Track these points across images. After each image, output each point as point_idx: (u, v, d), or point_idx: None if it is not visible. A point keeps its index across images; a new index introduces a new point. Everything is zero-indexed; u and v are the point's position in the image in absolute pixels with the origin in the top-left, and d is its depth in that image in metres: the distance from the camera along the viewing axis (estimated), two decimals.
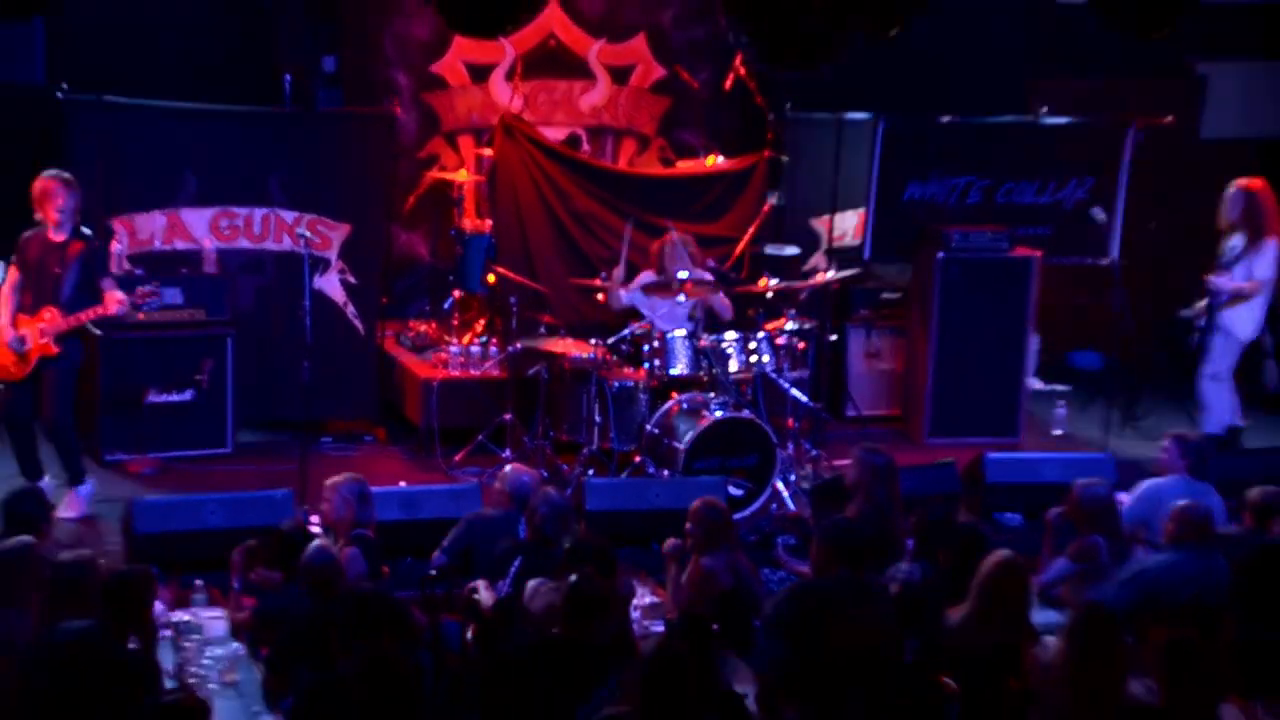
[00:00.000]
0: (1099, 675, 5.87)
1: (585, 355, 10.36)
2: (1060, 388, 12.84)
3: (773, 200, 11.79)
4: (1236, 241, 10.97)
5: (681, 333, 10.35)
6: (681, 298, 10.55)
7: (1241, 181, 11.01)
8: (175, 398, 10.60)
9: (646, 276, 10.78)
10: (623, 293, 10.72)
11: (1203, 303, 11.07)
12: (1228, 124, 14.02)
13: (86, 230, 9.54)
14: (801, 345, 10.79)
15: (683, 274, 10.51)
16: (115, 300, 9.35)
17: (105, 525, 9.35)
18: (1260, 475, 9.21)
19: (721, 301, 10.87)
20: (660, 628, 7.33)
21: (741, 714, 6.12)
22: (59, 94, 10.39)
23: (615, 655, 6.37)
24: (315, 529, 8.34)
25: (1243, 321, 10.98)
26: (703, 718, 5.68)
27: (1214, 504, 8.26)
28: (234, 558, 7.58)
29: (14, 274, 9.47)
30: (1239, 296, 10.89)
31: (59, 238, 9.40)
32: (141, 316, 9.95)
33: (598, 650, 6.37)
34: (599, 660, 6.27)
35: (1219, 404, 11.08)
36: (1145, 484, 8.67)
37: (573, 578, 6.52)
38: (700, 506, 7.68)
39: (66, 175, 9.45)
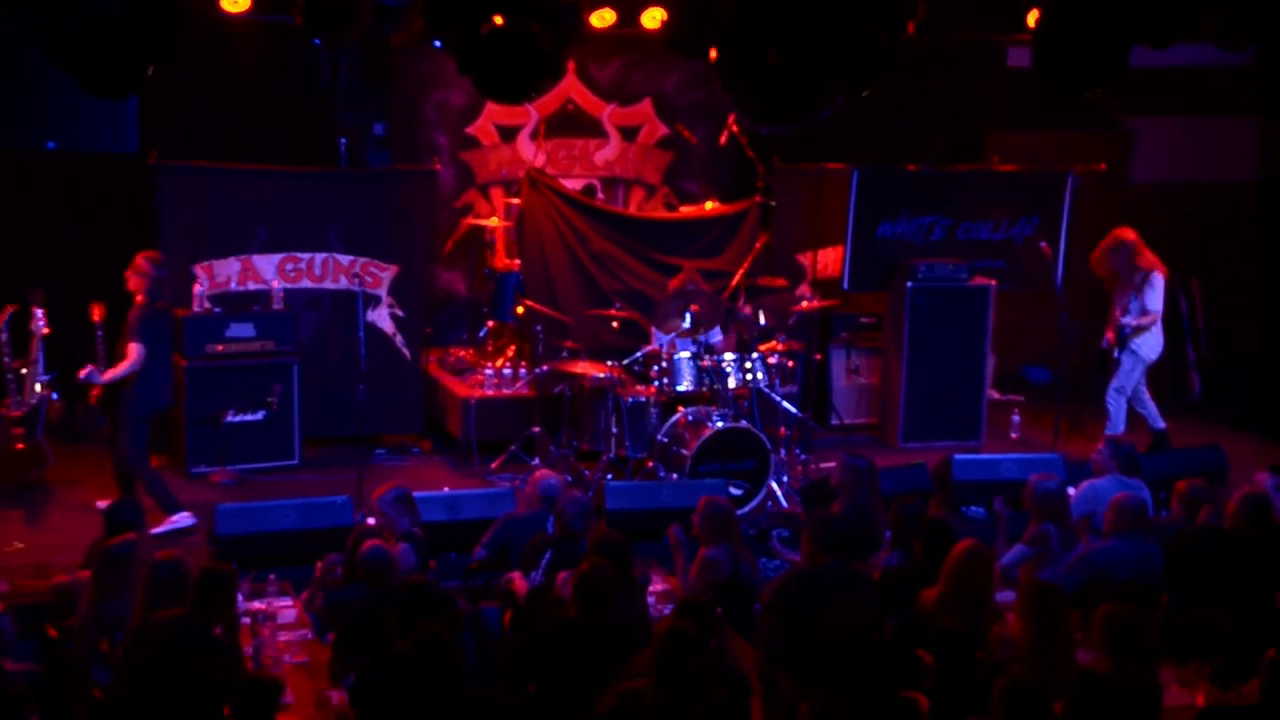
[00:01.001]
0: (1051, 641, 5.86)
1: (603, 375, 10.37)
2: (1015, 398, 12.82)
3: (763, 239, 11.81)
4: (1137, 280, 10.94)
5: (686, 354, 10.35)
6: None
7: (1118, 233, 10.98)
8: (250, 418, 10.60)
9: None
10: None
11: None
12: (1153, 171, 14.02)
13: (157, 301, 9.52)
14: (791, 364, 10.80)
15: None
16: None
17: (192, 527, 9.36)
18: (1186, 471, 9.22)
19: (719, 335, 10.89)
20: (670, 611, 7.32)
21: (743, 688, 6.12)
22: (150, 161, 10.44)
23: (635, 637, 6.37)
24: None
25: (1148, 345, 10.97)
26: (710, 690, 5.67)
27: (1145, 497, 8.26)
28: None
29: None
30: (1140, 328, 10.89)
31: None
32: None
33: (619, 632, 6.37)
34: (620, 641, 6.27)
35: (1119, 414, 11.05)
36: (1085, 484, 8.66)
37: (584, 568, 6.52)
38: (706, 504, 7.66)
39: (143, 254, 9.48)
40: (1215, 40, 9.33)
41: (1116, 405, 11.05)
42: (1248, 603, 6.94)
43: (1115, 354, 11.00)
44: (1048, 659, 5.84)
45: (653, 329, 10.84)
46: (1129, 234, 10.99)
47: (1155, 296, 10.89)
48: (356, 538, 7.57)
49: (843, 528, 7.36)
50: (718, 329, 10.89)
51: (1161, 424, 11.19)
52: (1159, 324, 10.98)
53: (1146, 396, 11.19)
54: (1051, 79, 8.89)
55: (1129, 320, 10.86)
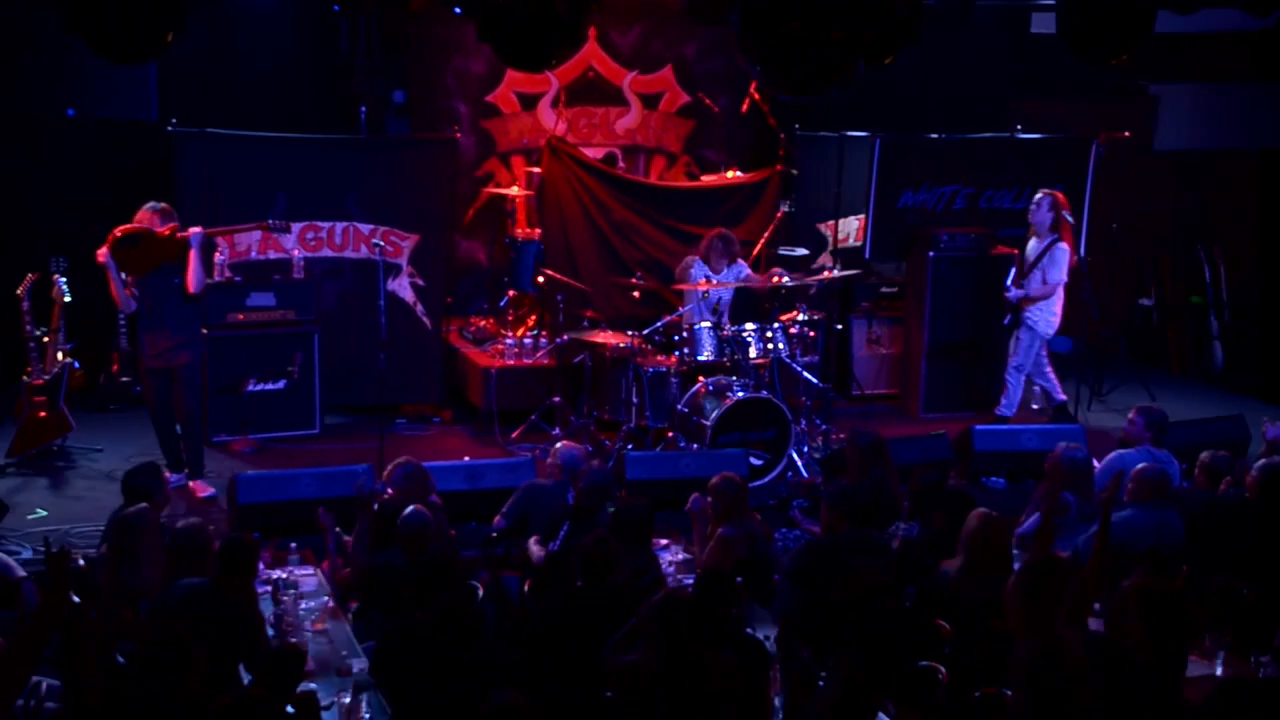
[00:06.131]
0: (1042, 610, 5.83)
1: (623, 345, 10.38)
2: None
3: (785, 208, 11.79)
4: (1034, 245, 10.85)
5: (707, 324, 10.36)
6: (706, 294, 10.55)
7: (1049, 190, 10.87)
8: (271, 386, 10.66)
9: (696, 268, 10.77)
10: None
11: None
12: (1176, 138, 13.96)
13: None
14: (812, 334, 10.80)
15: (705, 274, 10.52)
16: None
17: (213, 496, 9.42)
18: (1208, 442, 9.20)
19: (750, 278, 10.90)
20: (691, 581, 7.34)
21: (762, 656, 6.14)
22: (169, 128, 10.47)
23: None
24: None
25: (1044, 321, 10.84)
26: (717, 659, 5.68)
27: (1173, 469, 8.24)
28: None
29: None
30: (1031, 299, 10.77)
31: None
32: (242, 318, 10.03)
33: (630, 599, 6.39)
34: (631, 609, 6.29)
35: (1016, 392, 10.99)
36: (1112, 454, 8.64)
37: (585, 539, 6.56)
38: (718, 482, 7.65)
39: (158, 205, 9.46)
40: (1242, 4, 9.26)
41: (1015, 382, 10.98)
42: (1267, 573, 6.95)
43: (1004, 320, 10.91)
44: (1035, 621, 5.82)
45: (690, 277, 10.75)
46: (1059, 195, 10.87)
47: (1058, 269, 10.74)
48: (372, 506, 7.53)
49: (862, 497, 7.37)
50: (744, 265, 10.86)
51: (1062, 396, 11.12)
52: (1060, 298, 10.84)
53: (1048, 369, 11.13)
54: (1075, 46, 8.85)
55: (1022, 292, 10.74)
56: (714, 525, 7.58)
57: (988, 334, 11.58)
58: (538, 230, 11.92)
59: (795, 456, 10.17)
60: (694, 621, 5.62)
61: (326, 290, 11.05)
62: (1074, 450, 7.98)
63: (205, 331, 10.32)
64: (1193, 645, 6.02)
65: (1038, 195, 10.86)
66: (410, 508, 7.09)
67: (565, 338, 10.88)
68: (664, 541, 8.11)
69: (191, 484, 9.52)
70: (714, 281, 10.60)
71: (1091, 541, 7.35)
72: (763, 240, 11.55)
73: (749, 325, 10.42)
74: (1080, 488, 7.88)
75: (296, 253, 10.86)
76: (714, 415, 9.88)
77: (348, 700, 5.75)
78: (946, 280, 11.50)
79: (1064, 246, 10.74)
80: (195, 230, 9.28)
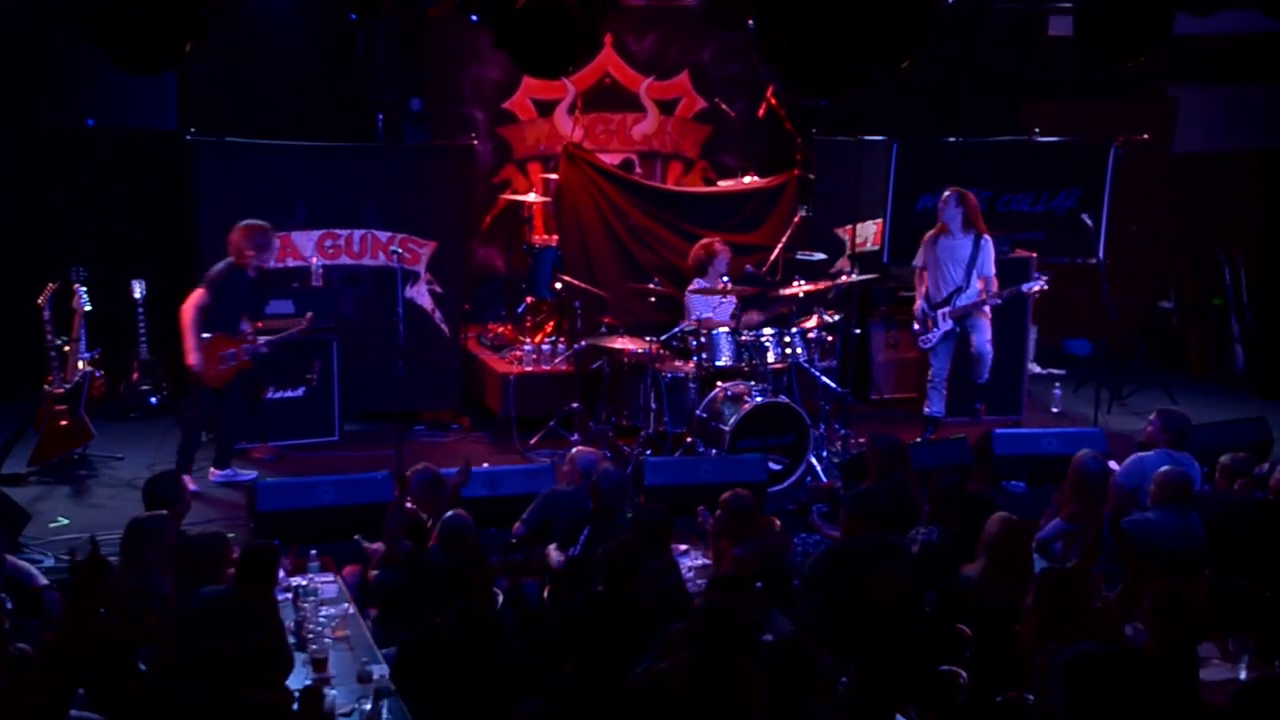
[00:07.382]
0: (1057, 622, 5.81)
1: (641, 350, 10.37)
2: (1056, 371, 12.78)
3: (802, 213, 11.77)
4: (948, 243, 10.74)
5: (725, 329, 10.35)
6: (724, 299, 10.58)
7: (956, 188, 10.76)
8: (290, 394, 10.69)
9: (698, 284, 10.80)
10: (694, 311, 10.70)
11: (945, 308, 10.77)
12: (1195, 140, 13.91)
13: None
14: (830, 338, 10.78)
15: (724, 277, 10.53)
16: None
17: (233, 503, 9.44)
18: (1230, 444, 9.16)
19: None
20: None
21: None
22: (188, 137, 10.50)
23: (667, 610, 6.38)
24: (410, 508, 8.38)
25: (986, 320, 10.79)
26: (745, 665, 5.66)
27: (1193, 472, 8.20)
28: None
29: (203, 297, 9.63)
30: (980, 303, 10.69)
31: (253, 275, 9.74)
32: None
33: (650, 605, 6.38)
34: (652, 614, 6.28)
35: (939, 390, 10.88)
36: (1132, 458, 8.61)
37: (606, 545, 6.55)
38: (728, 498, 7.59)
39: (251, 224, 9.70)
40: (1260, 5, 9.22)
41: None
42: None
43: (943, 331, 10.73)
44: (1049, 632, 5.79)
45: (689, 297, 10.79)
46: (968, 193, 10.76)
47: (989, 262, 10.69)
48: (402, 520, 7.54)
49: (881, 502, 7.35)
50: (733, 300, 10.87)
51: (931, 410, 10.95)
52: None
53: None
54: (1093, 48, 8.83)
55: (970, 300, 10.65)
56: (725, 540, 7.55)
57: (1007, 337, 11.51)
58: (555, 236, 11.93)
59: (814, 461, 10.15)
60: (736, 631, 5.59)
61: (345, 298, 11.06)
62: (1089, 457, 7.92)
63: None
64: (1218, 649, 5.99)
65: (945, 193, 10.77)
66: (451, 511, 7.13)
67: (583, 344, 10.87)
68: (683, 547, 8.11)
69: (222, 472, 9.81)
70: (707, 319, 10.51)
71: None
72: (780, 245, 11.53)
73: (767, 330, 10.40)
74: (1099, 491, 7.84)
75: (315, 260, 10.88)
76: (732, 420, 9.86)
77: (368, 707, 5.76)
78: None
79: (989, 239, 10.69)
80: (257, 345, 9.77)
